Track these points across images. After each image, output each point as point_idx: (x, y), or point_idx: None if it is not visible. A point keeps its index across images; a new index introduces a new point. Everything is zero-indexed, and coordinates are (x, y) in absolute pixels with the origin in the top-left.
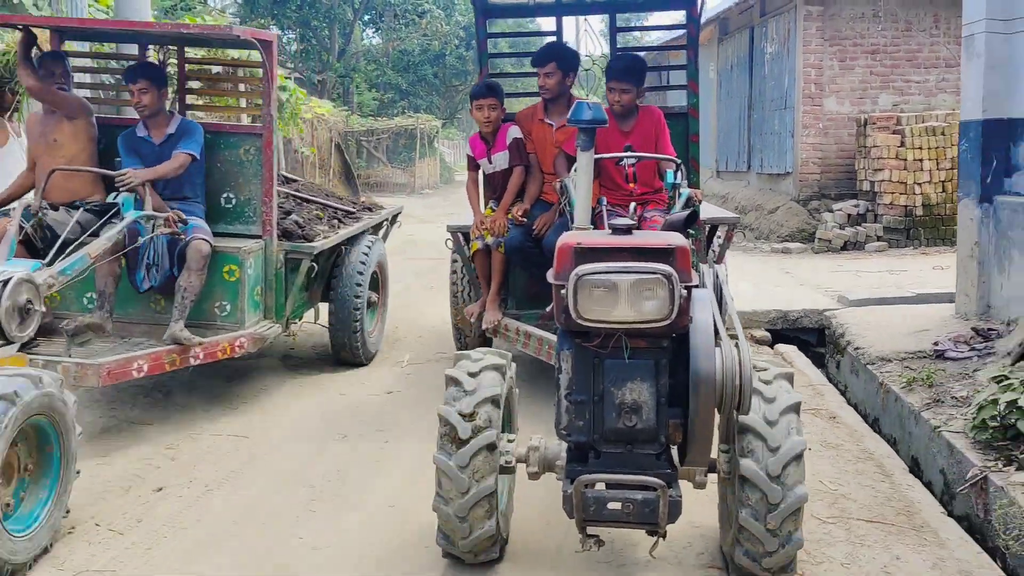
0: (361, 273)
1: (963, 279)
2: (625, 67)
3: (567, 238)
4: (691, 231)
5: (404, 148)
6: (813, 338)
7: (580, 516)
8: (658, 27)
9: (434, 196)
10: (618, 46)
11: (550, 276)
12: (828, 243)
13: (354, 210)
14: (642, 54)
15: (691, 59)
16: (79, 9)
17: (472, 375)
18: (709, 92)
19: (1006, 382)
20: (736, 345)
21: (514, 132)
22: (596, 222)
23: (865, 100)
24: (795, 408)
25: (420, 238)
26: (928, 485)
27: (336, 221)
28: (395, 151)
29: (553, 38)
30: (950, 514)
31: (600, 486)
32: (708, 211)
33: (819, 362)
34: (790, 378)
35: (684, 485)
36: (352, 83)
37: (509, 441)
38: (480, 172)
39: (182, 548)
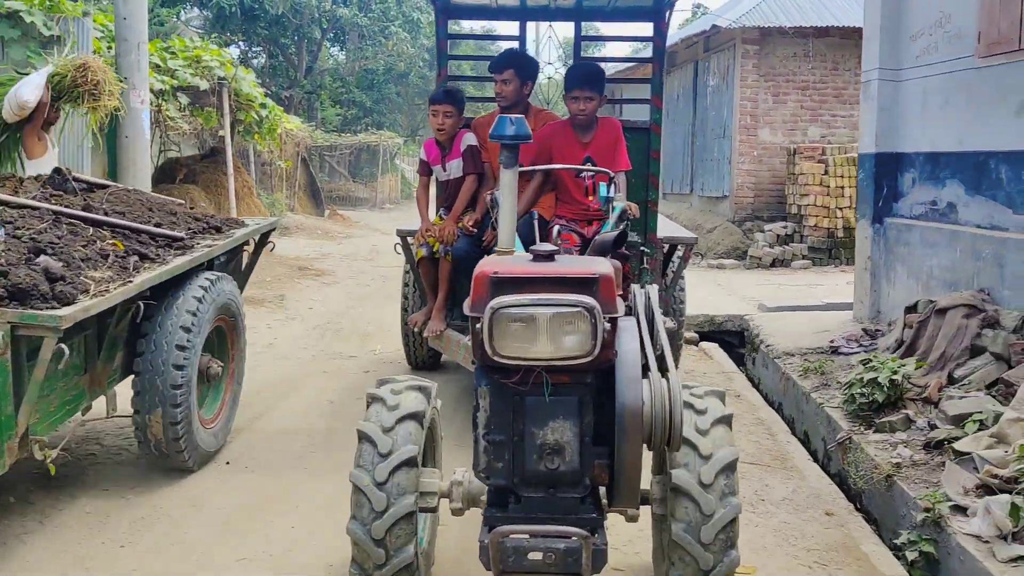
0: (188, 332)
1: (859, 288)
2: (587, 74)
3: (483, 266)
4: (645, 251)
5: (366, 163)
6: (736, 340)
7: (498, 568)
8: (624, 38)
9: (395, 210)
10: (581, 56)
11: (466, 307)
12: (759, 260)
13: (185, 236)
14: (605, 65)
15: (656, 73)
16: (85, 29)
17: (395, 393)
18: None
19: (870, 364)
20: (665, 376)
21: (469, 139)
22: (545, 237)
23: (796, 131)
24: (727, 421)
25: (385, 248)
26: (813, 454)
27: (142, 258)
28: (357, 166)
29: (515, 43)
30: (826, 472)
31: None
32: (667, 229)
33: (740, 361)
34: (722, 396)
35: (615, 518)
36: (318, 99)
37: (432, 473)
38: (433, 178)
39: None
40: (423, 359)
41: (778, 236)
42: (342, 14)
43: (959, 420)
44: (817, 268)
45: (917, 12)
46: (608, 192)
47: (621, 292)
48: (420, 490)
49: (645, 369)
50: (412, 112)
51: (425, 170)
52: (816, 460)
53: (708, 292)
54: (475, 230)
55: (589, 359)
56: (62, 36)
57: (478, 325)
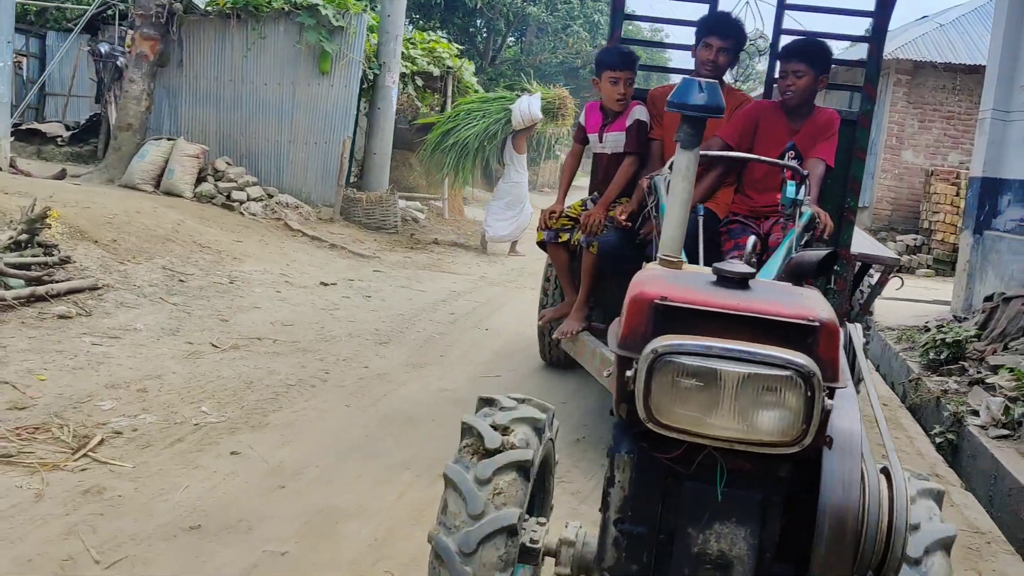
0: None
1: (957, 286)
2: (799, 46)
3: (644, 282)
4: (835, 268)
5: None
6: None
7: None
8: (836, 10)
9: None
10: (783, 29)
11: (612, 337)
12: None
13: None
14: (817, 39)
15: (873, 56)
16: (363, 22)
17: (498, 428)
18: None
19: (943, 330)
20: (885, 471)
21: (639, 113)
22: (713, 240)
23: (937, 156)
24: (947, 546)
25: None
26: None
27: None
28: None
29: (706, 6)
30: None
31: None
32: (862, 245)
33: None
34: (938, 497)
35: None
36: (497, 86)
37: (539, 524)
38: (588, 148)
39: None
40: (559, 356)
41: (908, 246)
42: (531, 11)
43: (996, 368)
44: (939, 277)
45: None
46: (797, 194)
47: None
48: (520, 542)
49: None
50: (580, 105)
51: (580, 136)
52: (895, 394)
53: None
54: (629, 224)
55: (792, 447)
56: (345, 27)
57: (629, 371)
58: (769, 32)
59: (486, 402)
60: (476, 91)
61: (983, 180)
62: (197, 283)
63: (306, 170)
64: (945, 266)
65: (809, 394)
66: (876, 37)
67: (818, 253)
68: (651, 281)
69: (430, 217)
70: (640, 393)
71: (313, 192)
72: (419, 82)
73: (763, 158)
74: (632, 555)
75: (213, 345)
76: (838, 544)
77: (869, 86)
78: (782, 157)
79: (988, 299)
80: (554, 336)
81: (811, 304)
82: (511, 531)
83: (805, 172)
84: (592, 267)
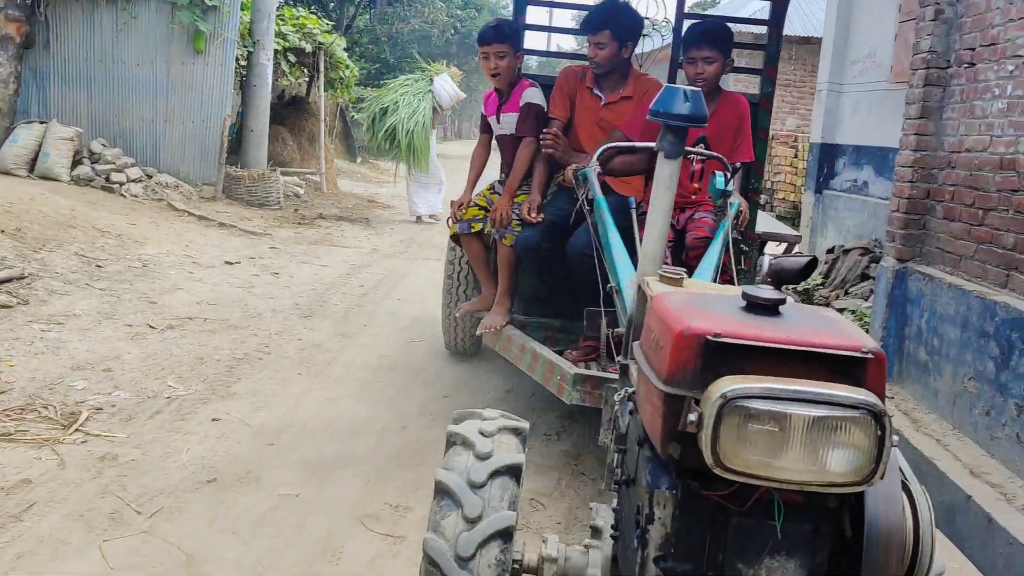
0: None
1: (802, 241)
2: (707, 31)
3: (680, 312)
4: (743, 248)
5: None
6: None
7: None
8: None
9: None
10: (685, 11)
11: (651, 374)
12: None
13: None
14: (721, 21)
15: (773, 38)
16: (236, 0)
17: (486, 435)
18: None
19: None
20: (908, 490)
21: (532, 95)
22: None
23: (776, 121)
24: None
25: None
26: None
27: None
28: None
29: None
30: None
31: None
32: (766, 224)
33: None
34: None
35: None
36: (352, 56)
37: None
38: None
39: None
40: (466, 347)
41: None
42: None
43: (841, 311)
44: None
45: (856, 45)
46: (727, 185)
47: None
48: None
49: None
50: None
51: (483, 125)
52: None
53: None
54: (538, 220)
55: (862, 486)
56: (219, 6)
57: (693, 417)
58: (672, 16)
59: (465, 415)
60: (348, 66)
61: (821, 146)
62: (113, 268)
63: (183, 149)
64: (787, 222)
65: (879, 433)
66: (775, 20)
67: (799, 260)
68: (686, 310)
69: (309, 192)
70: (708, 440)
71: (192, 171)
72: (291, 58)
73: (695, 150)
74: None
75: (151, 326)
76: (887, 563)
77: (770, 68)
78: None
79: (830, 251)
80: (477, 331)
81: (855, 332)
82: (508, 535)
83: (738, 165)
84: (508, 259)
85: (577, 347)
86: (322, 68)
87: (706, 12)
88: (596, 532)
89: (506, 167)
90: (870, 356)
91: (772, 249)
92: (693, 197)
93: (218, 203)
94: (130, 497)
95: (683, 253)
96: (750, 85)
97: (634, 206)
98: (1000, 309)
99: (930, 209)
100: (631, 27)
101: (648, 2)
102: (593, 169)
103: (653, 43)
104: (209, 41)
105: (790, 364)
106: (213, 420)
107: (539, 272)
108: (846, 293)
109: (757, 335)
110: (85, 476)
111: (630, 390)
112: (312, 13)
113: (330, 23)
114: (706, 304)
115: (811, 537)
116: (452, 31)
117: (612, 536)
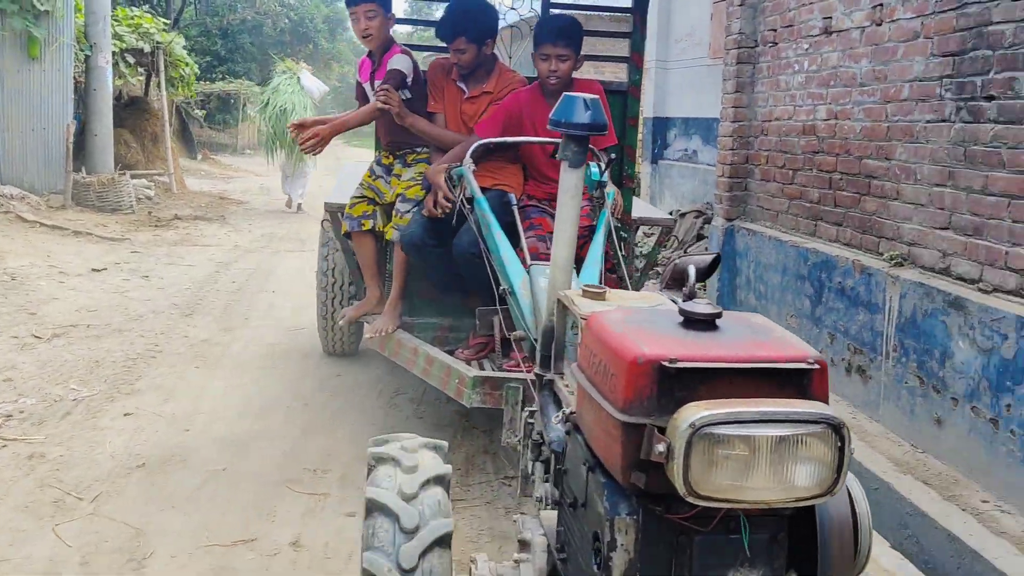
0: None
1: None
2: (561, 27)
3: (626, 336)
4: (622, 235)
5: (217, 111)
6: None
7: None
8: None
9: (256, 155)
10: (551, 2)
11: (603, 401)
12: None
13: None
14: (570, 15)
15: (637, 25)
16: (69, 4)
17: (409, 451)
18: None
19: (638, 245)
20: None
21: (397, 62)
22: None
23: None
24: None
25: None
26: None
27: None
28: (210, 114)
29: None
30: None
31: None
32: (640, 209)
33: None
34: None
35: None
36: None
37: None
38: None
39: None
40: (345, 348)
41: None
42: None
43: None
44: None
45: (677, 25)
46: (601, 175)
47: None
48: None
49: None
50: (265, 62)
51: (360, 94)
52: None
53: None
54: (443, 213)
55: (825, 497)
56: (51, 10)
57: (661, 448)
58: (537, 6)
59: (385, 440)
60: (187, 63)
61: (654, 119)
62: None
63: (26, 159)
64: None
65: (839, 444)
66: (639, 7)
67: (704, 258)
68: (631, 333)
69: (159, 193)
70: (679, 470)
71: (38, 181)
72: (130, 59)
73: (549, 139)
74: None
75: (36, 336)
76: (840, 555)
77: (636, 56)
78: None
79: (668, 215)
80: (366, 335)
81: (795, 342)
82: (446, 541)
83: (612, 155)
84: (405, 263)
85: (467, 345)
86: (162, 67)
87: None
88: (524, 545)
89: (384, 138)
90: (816, 366)
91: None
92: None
93: (69, 211)
94: (68, 487)
95: None
96: (619, 73)
97: (515, 202)
98: (811, 255)
99: (749, 172)
100: (486, 26)
101: None
102: (468, 167)
103: (522, 35)
104: (44, 47)
105: (740, 380)
106: (125, 415)
107: (424, 270)
108: (685, 253)
109: (710, 356)
110: (18, 474)
111: (568, 411)
112: (147, 12)
113: (166, 21)
114: (645, 324)
115: (770, 544)
116: (286, 20)
117: (555, 554)
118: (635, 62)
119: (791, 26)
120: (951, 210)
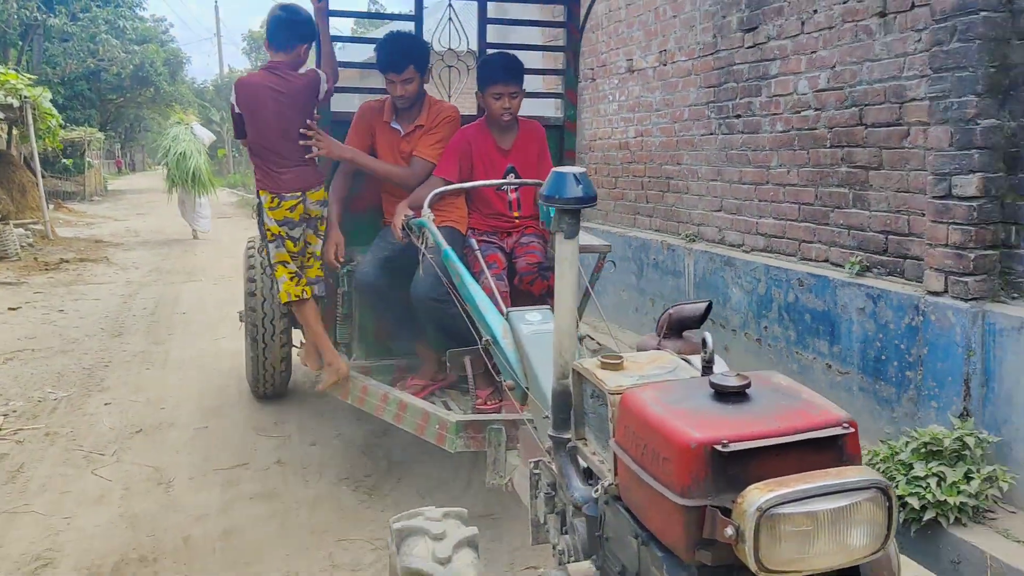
0: None
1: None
2: (509, 66)
3: (677, 421)
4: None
5: (55, 159)
6: None
7: None
8: (532, 22)
9: (104, 202)
10: (487, 42)
11: (657, 485)
12: None
13: None
14: (512, 53)
15: (570, 63)
16: None
17: (434, 520)
18: None
19: None
20: None
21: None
22: (465, 256)
23: None
24: None
25: (140, 227)
26: None
27: None
28: (51, 163)
29: (411, 24)
30: None
31: None
32: (580, 238)
33: None
34: None
35: None
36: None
37: None
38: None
39: None
40: (276, 389)
41: None
42: (53, 23)
43: None
44: None
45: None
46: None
47: None
48: None
49: None
50: (104, 107)
51: (240, 123)
52: None
53: None
54: (341, 263)
55: (879, 553)
56: None
57: (730, 531)
58: (475, 45)
59: (408, 516)
60: (53, 115)
61: None
62: None
63: None
64: None
65: (888, 504)
66: (572, 46)
67: (698, 306)
68: (675, 415)
69: (36, 241)
70: (751, 550)
71: None
72: (0, 115)
73: (505, 181)
74: None
75: None
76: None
77: (571, 92)
78: (504, 178)
79: None
80: (320, 388)
81: (825, 405)
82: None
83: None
84: (315, 310)
85: (420, 373)
86: (30, 120)
87: (508, 43)
88: None
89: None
90: (851, 430)
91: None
92: (516, 222)
93: None
94: (88, 449)
95: (515, 278)
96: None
97: (475, 247)
98: (632, 240)
99: None
100: (427, 58)
101: (450, 33)
102: (428, 218)
103: (459, 74)
104: None
105: (783, 451)
106: (105, 404)
107: (377, 310)
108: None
109: (756, 433)
110: (44, 445)
111: (607, 483)
112: (17, 70)
113: (31, 76)
114: (683, 402)
115: None
116: (130, 66)
117: None
118: (569, 98)
119: (604, 66)
120: (721, 197)
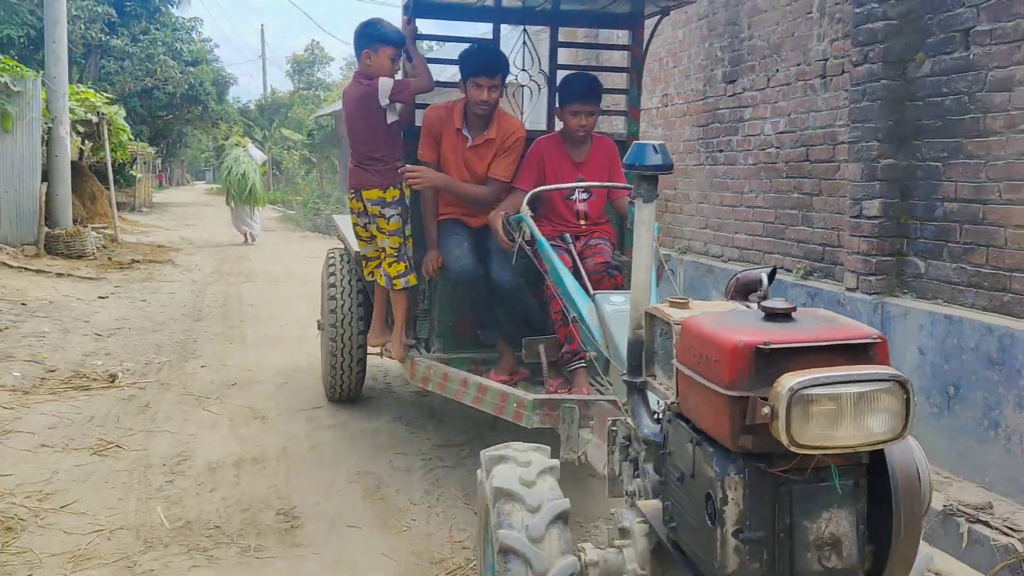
0: None
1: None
2: (589, 86)
3: (728, 331)
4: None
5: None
6: None
7: None
8: (600, 46)
9: (152, 213)
10: (558, 63)
11: (708, 383)
12: None
13: None
14: (592, 74)
15: (634, 83)
16: (37, 86)
17: (527, 484)
18: None
19: None
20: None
21: (389, 87)
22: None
23: None
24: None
25: (194, 236)
26: None
27: None
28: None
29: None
30: None
31: None
32: None
33: None
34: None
35: None
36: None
37: None
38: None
39: None
40: (350, 391)
41: None
42: (115, 44)
43: None
44: None
45: None
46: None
47: None
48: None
49: None
50: (156, 124)
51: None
52: None
53: None
54: (437, 274)
55: (896, 440)
56: (22, 91)
57: (766, 411)
58: (546, 67)
59: (498, 459)
60: (124, 130)
61: None
62: (33, 306)
63: (1, 216)
64: None
65: (906, 396)
66: (636, 67)
67: (763, 270)
68: (727, 328)
69: (108, 244)
70: (783, 426)
71: (11, 234)
72: (80, 129)
73: (585, 184)
74: (754, 555)
75: (98, 335)
76: (916, 502)
77: (634, 110)
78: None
79: None
80: (384, 355)
81: (857, 324)
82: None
83: (631, 199)
84: (405, 300)
85: (499, 369)
86: (105, 135)
87: (578, 64)
88: (624, 533)
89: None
90: (878, 340)
91: None
92: (583, 227)
93: (43, 259)
94: (196, 394)
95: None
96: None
97: (569, 241)
98: None
99: None
100: (508, 71)
101: (524, 55)
102: (527, 214)
103: (531, 93)
104: (17, 121)
105: (819, 356)
106: (202, 367)
107: (467, 301)
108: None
109: (794, 339)
110: (160, 391)
111: (669, 401)
112: (96, 89)
113: (108, 96)
114: (736, 320)
115: (854, 488)
116: (185, 86)
117: (660, 531)
118: (632, 115)
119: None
120: (707, 217)
